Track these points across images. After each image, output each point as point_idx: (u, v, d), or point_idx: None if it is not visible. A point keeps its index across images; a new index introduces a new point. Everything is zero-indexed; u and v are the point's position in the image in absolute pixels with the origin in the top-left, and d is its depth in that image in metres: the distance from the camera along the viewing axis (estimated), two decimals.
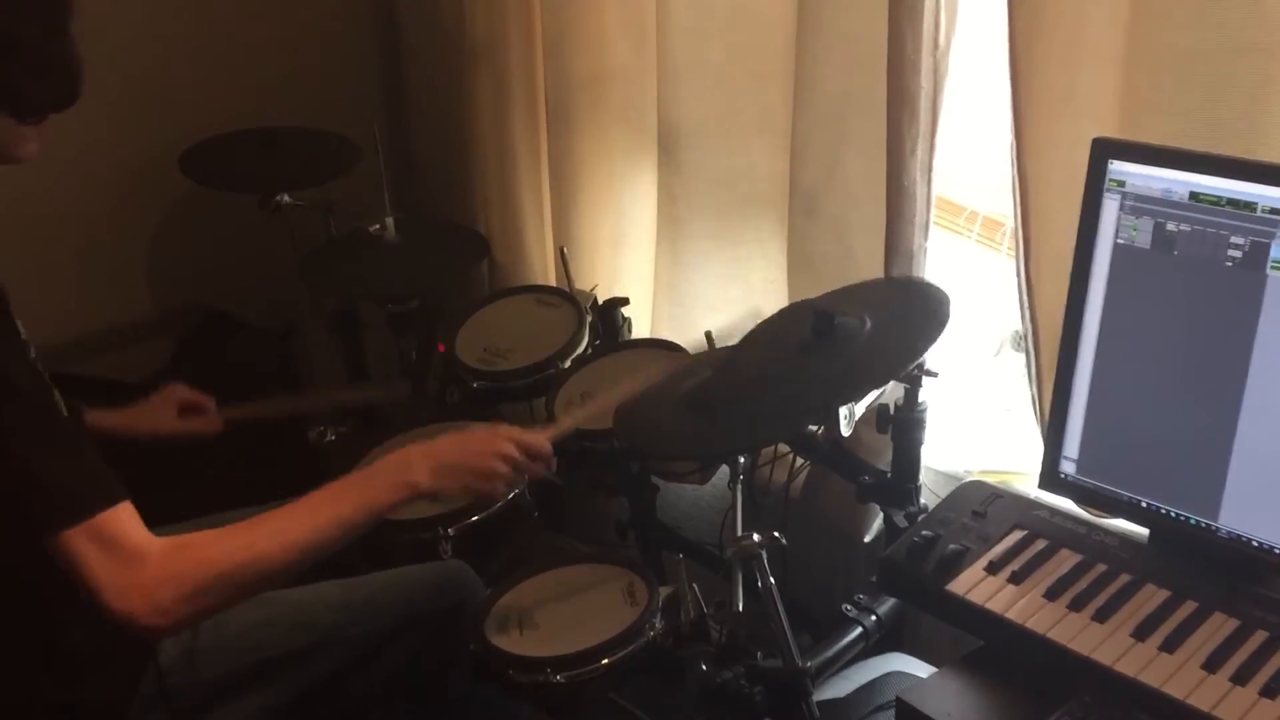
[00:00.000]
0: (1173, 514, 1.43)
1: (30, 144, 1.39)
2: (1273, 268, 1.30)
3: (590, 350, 2.13)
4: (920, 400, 1.68)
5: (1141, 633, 1.33)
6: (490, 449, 1.53)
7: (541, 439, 1.59)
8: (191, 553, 1.37)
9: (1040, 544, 1.48)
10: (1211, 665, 1.28)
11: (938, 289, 1.64)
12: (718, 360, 1.76)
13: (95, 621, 1.41)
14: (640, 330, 2.28)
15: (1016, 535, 1.50)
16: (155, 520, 1.78)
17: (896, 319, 1.63)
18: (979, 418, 2.02)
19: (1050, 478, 1.53)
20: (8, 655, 1.47)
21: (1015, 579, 1.43)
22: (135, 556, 1.33)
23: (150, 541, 1.36)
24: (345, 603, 1.70)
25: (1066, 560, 1.45)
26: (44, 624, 1.47)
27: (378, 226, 2.31)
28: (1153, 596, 1.38)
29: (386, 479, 1.48)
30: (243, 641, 1.62)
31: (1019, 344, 1.79)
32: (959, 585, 1.44)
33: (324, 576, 1.72)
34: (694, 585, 1.58)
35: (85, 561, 1.31)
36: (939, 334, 1.53)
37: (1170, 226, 1.36)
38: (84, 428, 1.46)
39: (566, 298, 2.21)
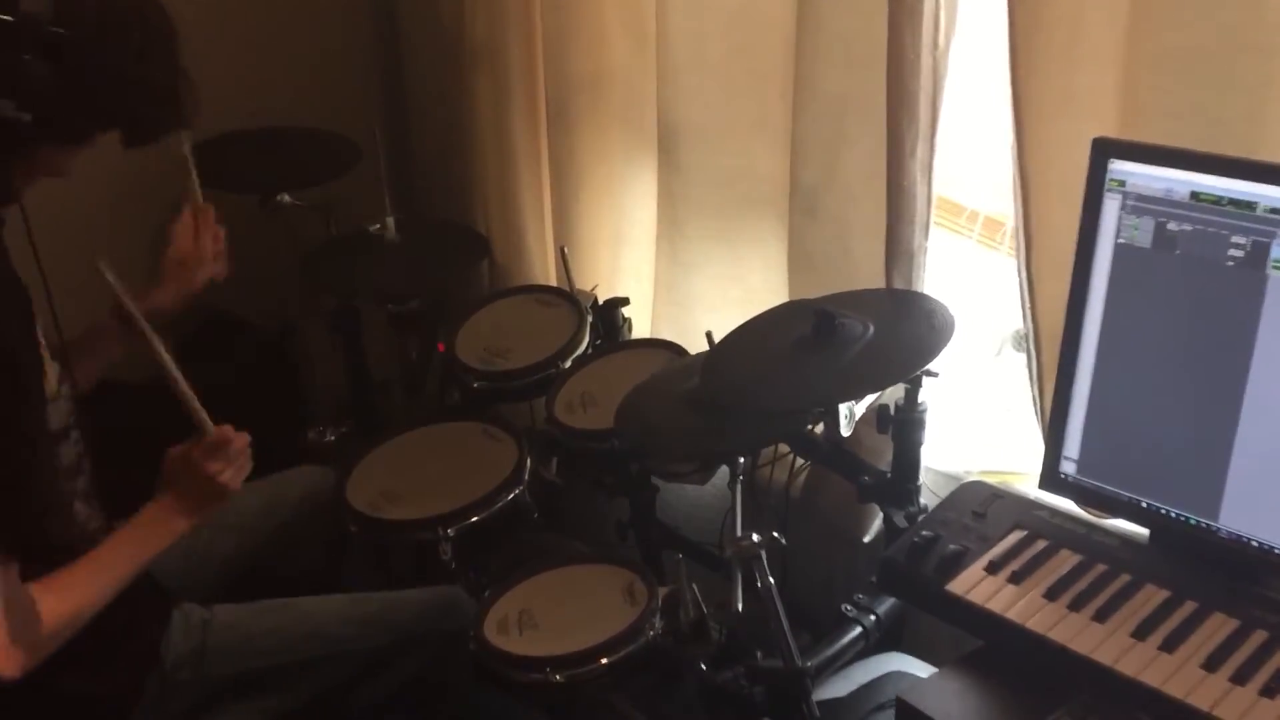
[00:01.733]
0: (1173, 514, 1.43)
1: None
2: (1273, 267, 1.29)
3: (590, 350, 2.13)
4: (920, 400, 1.68)
5: (1141, 633, 1.33)
6: (203, 473, 1.56)
7: (216, 436, 1.59)
8: (44, 610, 1.40)
9: (1040, 544, 1.48)
10: (1211, 665, 1.28)
11: (942, 304, 1.65)
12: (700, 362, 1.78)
13: (102, 615, 1.42)
14: (640, 330, 2.28)
15: (1016, 535, 1.50)
16: None
17: (898, 325, 1.64)
18: (979, 418, 2.02)
19: (1050, 478, 1.53)
20: None
21: (1015, 579, 1.43)
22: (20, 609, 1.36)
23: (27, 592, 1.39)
24: (354, 616, 1.72)
25: (1066, 560, 1.45)
26: None
27: (378, 226, 2.31)
28: (1153, 596, 1.38)
29: (161, 530, 1.55)
30: (252, 645, 1.64)
31: (1019, 344, 1.79)
32: (959, 585, 1.44)
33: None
34: (694, 585, 1.58)
35: None
36: (941, 346, 1.54)
37: (1171, 226, 1.36)
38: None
39: (566, 298, 2.21)
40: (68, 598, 1.43)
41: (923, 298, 1.74)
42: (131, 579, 1.51)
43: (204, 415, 1.59)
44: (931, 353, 1.55)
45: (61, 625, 1.42)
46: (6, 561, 1.35)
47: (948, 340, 1.55)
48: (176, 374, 1.60)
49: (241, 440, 1.59)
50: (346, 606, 1.74)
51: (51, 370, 1.49)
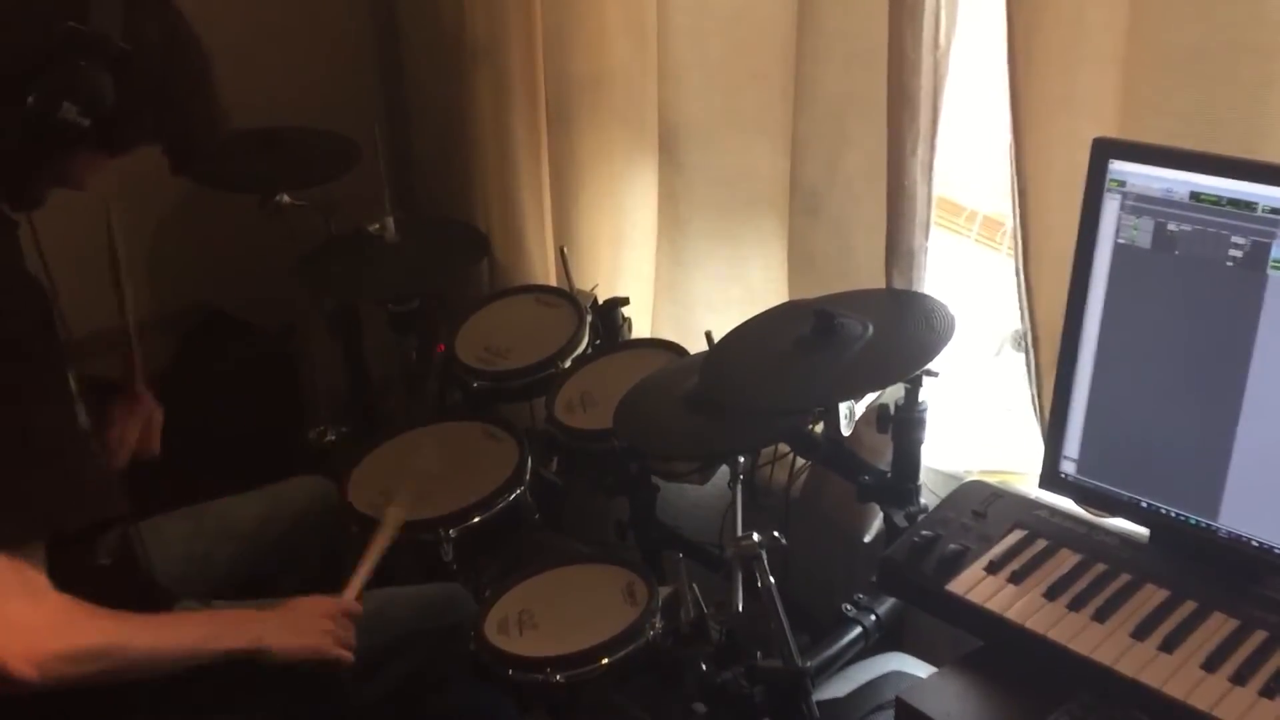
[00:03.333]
0: (1173, 514, 1.43)
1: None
2: (1273, 267, 1.29)
3: (590, 350, 2.13)
4: (920, 400, 1.68)
5: (1141, 632, 1.33)
6: (321, 613, 1.59)
7: (353, 604, 1.64)
8: (82, 618, 1.39)
9: (1040, 544, 1.48)
10: (1211, 665, 1.28)
11: (941, 304, 1.65)
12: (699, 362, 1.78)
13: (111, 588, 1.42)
14: (640, 330, 2.28)
15: (1016, 535, 1.50)
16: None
17: (898, 325, 1.64)
18: (979, 418, 2.02)
19: (1050, 477, 1.53)
20: None
21: (1015, 579, 1.43)
22: (36, 600, 1.35)
23: (51, 592, 1.37)
24: None
25: (1066, 560, 1.45)
26: None
27: (378, 226, 2.31)
28: (1153, 596, 1.38)
29: (243, 629, 1.53)
30: None
31: (1019, 344, 1.79)
32: (959, 585, 1.44)
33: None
34: (694, 585, 1.58)
35: None
36: (941, 346, 1.54)
37: (1171, 226, 1.36)
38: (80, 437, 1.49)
39: (566, 298, 2.21)
40: (110, 624, 1.41)
41: (922, 298, 1.74)
42: (186, 658, 1.48)
43: (361, 582, 1.67)
44: (931, 352, 1.55)
45: (95, 649, 1.39)
46: (26, 563, 1.34)
47: (947, 340, 1.55)
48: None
49: (355, 622, 1.62)
50: None
51: (70, 374, 1.49)
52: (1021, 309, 1.69)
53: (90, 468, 1.44)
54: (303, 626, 1.57)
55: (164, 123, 1.49)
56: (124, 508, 1.50)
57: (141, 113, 1.44)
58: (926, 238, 1.80)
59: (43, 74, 1.33)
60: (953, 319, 1.60)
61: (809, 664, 1.50)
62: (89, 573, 1.52)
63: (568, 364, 2.08)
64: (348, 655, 1.58)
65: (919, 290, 1.82)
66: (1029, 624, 1.37)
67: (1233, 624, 1.32)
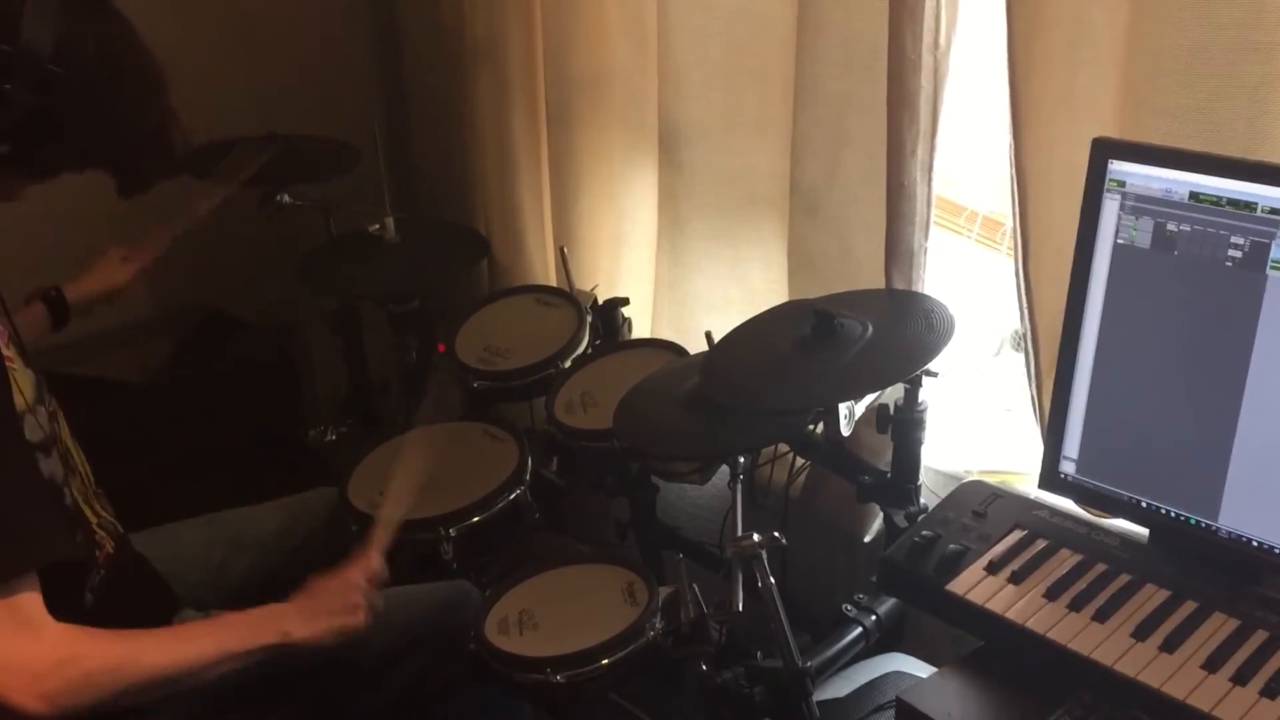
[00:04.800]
0: (1173, 514, 1.43)
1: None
2: (1273, 268, 1.30)
3: (590, 350, 2.13)
4: (920, 400, 1.68)
5: (1141, 633, 1.33)
6: (346, 585, 1.56)
7: (376, 561, 1.61)
8: (85, 644, 1.36)
9: (1040, 544, 1.48)
10: (1211, 665, 1.28)
11: (941, 304, 1.65)
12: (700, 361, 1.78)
13: (97, 622, 1.41)
14: (640, 330, 2.28)
15: (1016, 535, 1.50)
16: (151, 520, 1.79)
17: (898, 325, 1.64)
18: (979, 418, 2.02)
19: (1050, 478, 1.53)
20: None
21: (1015, 579, 1.43)
22: (32, 635, 1.31)
23: (48, 623, 1.33)
24: None
25: (1066, 560, 1.45)
26: None
27: (378, 226, 2.31)
28: (1153, 596, 1.38)
29: (265, 625, 1.50)
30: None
31: (1019, 344, 1.79)
32: (959, 585, 1.44)
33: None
34: (694, 585, 1.58)
35: None
36: (941, 346, 1.54)
37: (1170, 226, 1.36)
38: (36, 471, 1.44)
39: (566, 298, 2.21)
40: (117, 645, 1.38)
41: (922, 298, 1.74)
42: (211, 665, 1.44)
43: (384, 544, 1.63)
44: (931, 353, 1.55)
45: (105, 672, 1.35)
46: (16, 599, 1.31)
47: (947, 340, 1.55)
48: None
49: (378, 586, 1.59)
50: None
51: (26, 380, 1.44)
52: (1021, 309, 1.69)
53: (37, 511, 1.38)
54: (324, 608, 1.53)
55: (96, 147, 1.41)
56: (76, 549, 1.46)
57: (74, 139, 1.37)
58: (926, 238, 1.80)
59: None
60: (952, 319, 1.60)
61: (809, 664, 1.50)
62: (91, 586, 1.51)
63: (568, 364, 2.08)
64: (367, 618, 1.54)
65: (919, 290, 1.82)
66: (1029, 624, 1.37)
67: (1233, 624, 1.32)
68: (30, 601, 1.32)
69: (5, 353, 1.39)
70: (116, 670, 1.37)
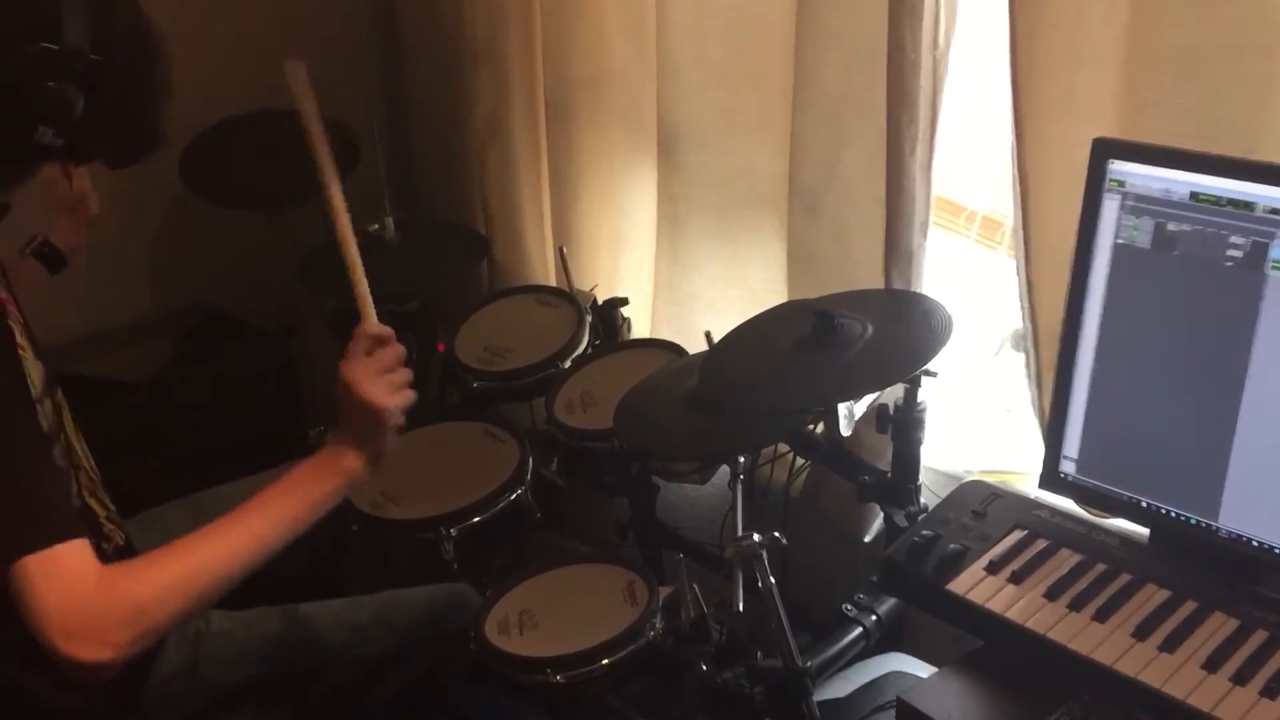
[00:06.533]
0: (1173, 514, 1.43)
1: None
2: (1273, 268, 1.30)
3: (590, 350, 2.13)
4: (920, 400, 1.68)
5: (1141, 632, 1.33)
6: (358, 378, 1.49)
7: (374, 326, 1.56)
8: (134, 578, 1.30)
9: (1040, 544, 1.48)
10: (1212, 665, 1.28)
11: (940, 304, 1.65)
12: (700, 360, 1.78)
13: None
14: (640, 330, 2.28)
15: (1016, 535, 1.50)
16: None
17: (897, 325, 1.64)
18: (979, 418, 2.02)
19: (1050, 477, 1.53)
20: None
21: (1015, 579, 1.43)
22: (82, 592, 1.26)
23: (94, 573, 1.28)
24: (353, 621, 1.70)
25: (1066, 560, 1.45)
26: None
27: (377, 226, 2.31)
28: (1153, 596, 1.38)
29: (325, 474, 1.44)
30: (248, 653, 1.62)
31: (1019, 344, 1.79)
32: (959, 585, 1.44)
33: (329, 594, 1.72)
34: (694, 585, 1.58)
35: (33, 597, 1.23)
36: (940, 346, 1.54)
37: (1170, 226, 1.36)
38: (60, 446, 1.44)
39: (566, 298, 2.21)
40: (168, 568, 1.31)
41: (922, 298, 1.74)
42: (298, 523, 1.38)
43: (369, 304, 1.56)
44: (931, 353, 1.55)
45: (175, 585, 1.30)
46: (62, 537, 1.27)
47: (947, 340, 1.55)
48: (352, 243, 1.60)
49: (396, 349, 1.52)
50: (346, 610, 1.71)
51: (36, 371, 1.45)
52: (1022, 309, 1.69)
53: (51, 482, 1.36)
54: (370, 419, 1.45)
55: (127, 129, 1.43)
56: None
57: (109, 122, 1.39)
58: (925, 238, 1.80)
59: (15, 99, 1.28)
60: (951, 319, 1.60)
61: (809, 664, 1.50)
62: None
63: (568, 364, 2.08)
64: (410, 395, 1.50)
65: (918, 290, 1.82)
66: (1029, 624, 1.37)
67: (1233, 624, 1.32)
68: (83, 559, 1.27)
69: (19, 341, 1.40)
70: (168, 597, 1.30)
